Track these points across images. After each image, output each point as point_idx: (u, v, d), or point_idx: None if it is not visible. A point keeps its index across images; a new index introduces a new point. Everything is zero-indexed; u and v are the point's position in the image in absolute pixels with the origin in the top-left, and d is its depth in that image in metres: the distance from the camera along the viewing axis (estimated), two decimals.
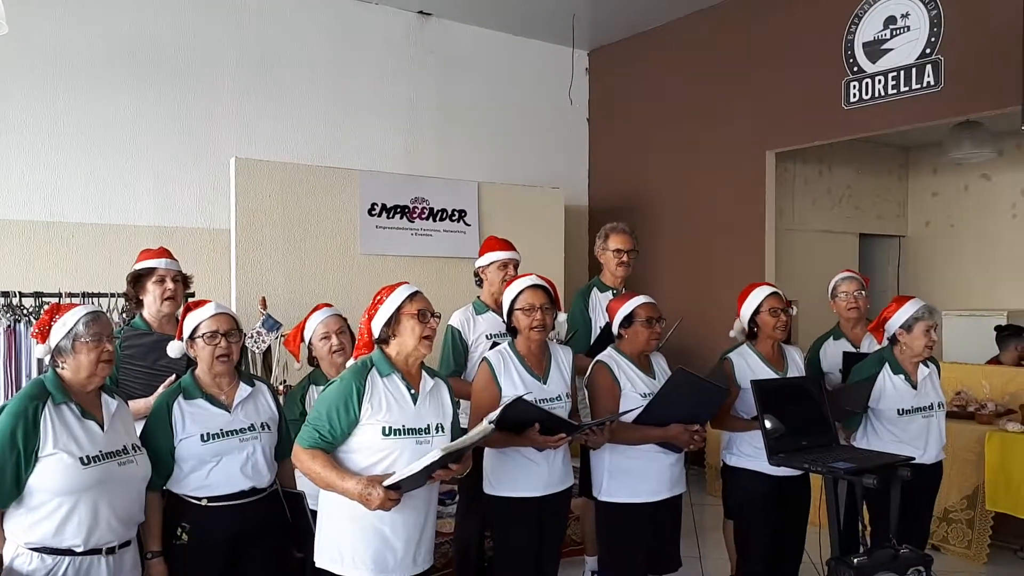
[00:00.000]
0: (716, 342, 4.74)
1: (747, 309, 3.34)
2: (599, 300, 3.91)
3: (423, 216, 5.83)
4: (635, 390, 3.03)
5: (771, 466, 3.16)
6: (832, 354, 3.81)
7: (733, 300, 5.82)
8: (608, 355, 3.13)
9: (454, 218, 5.94)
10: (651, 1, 6.49)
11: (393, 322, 2.46)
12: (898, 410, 3.30)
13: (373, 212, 5.61)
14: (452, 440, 2.45)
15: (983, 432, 4.32)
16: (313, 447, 2.36)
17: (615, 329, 3.14)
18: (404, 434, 2.38)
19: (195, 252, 5.29)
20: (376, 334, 2.49)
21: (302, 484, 2.69)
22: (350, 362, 2.57)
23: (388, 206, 5.66)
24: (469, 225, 5.97)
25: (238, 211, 5.00)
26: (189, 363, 2.69)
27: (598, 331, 3.83)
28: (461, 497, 3.67)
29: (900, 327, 3.36)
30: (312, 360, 3.20)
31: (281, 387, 3.85)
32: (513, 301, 2.95)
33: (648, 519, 3.03)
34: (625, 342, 3.12)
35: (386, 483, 2.24)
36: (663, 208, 6.89)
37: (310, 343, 3.17)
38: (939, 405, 3.38)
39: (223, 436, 2.54)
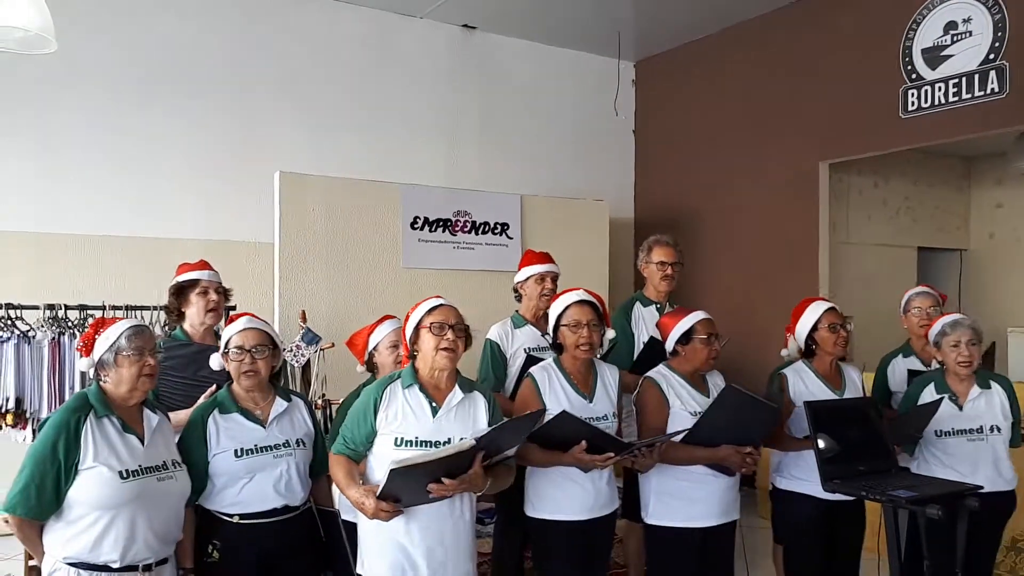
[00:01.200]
0: (765, 361, 4.57)
1: (804, 325, 3.19)
2: (642, 315, 3.79)
3: (465, 229, 5.79)
4: (685, 408, 2.91)
5: (820, 490, 3.01)
6: (900, 372, 3.62)
7: (783, 317, 5.68)
8: (659, 372, 3.01)
9: (496, 231, 5.89)
10: (697, 12, 6.37)
11: (415, 336, 2.48)
12: (936, 431, 3.13)
13: (415, 225, 5.59)
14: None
15: None
16: (339, 453, 2.46)
17: (670, 345, 3.02)
18: (417, 446, 2.37)
19: (239, 266, 5.33)
20: (409, 348, 2.50)
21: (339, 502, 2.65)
22: None
23: (430, 219, 5.64)
24: (512, 238, 5.91)
25: (282, 225, 5.02)
26: (229, 376, 2.66)
27: (641, 346, 3.70)
28: (499, 516, 3.58)
29: (932, 345, 3.22)
30: (372, 367, 3.16)
31: (319, 401, 3.82)
32: (560, 316, 2.86)
33: (697, 545, 2.89)
34: (681, 359, 2.99)
35: (378, 493, 2.26)
36: (710, 221, 6.72)
37: (374, 349, 3.13)
38: (994, 428, 3.17)
39: (257, 452, 2.50)
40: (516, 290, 3.72)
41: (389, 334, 3.12)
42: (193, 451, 2.46)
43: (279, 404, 2.60)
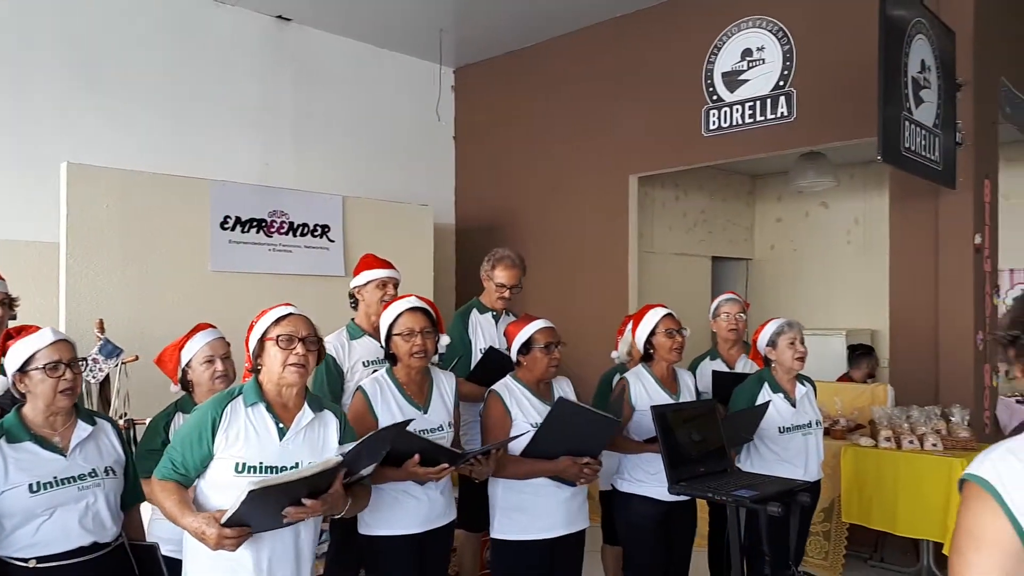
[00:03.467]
0: (583, 364, 4.74)
1: (643, 330, 3.29)
2: (479, 322, 3.76)
3: (282, 231, 5.48)
4: (527, 419, 2.89)
5: (661, 491, 3.13)
6: (707, 374, 3.85)
7: (600, 321, 5.95)
8: (504, 384, 2.98)
9: (316, 233, 5.62)
10: (517, 22, 6.48)
11: (259, 349, 2.26)
12: (779, 428, 3.37)
13: (226, 226, 5.20)
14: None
15: (838, 447, 4.53)
16: (166, 479, 2.21)
17: (514, 355, 3.00)
18: (260, 472, 2.15)
19: (18, 268, 4.64)
20: (252, 361, 2.26)
21: (158, 532, 2.36)
22: None
23: (243, 219, 5.27)
24: (333, 241, 5.67)
25: (69, 222, 4.46)
26: (14, 401, 2.27)
27: (479, 354, 3.67)
28: (332, 537, 3.38)
29: (767, 345, 3.47)
30: (186, 385, 2.83)
31: (122, 422, 3.40)
32: (391, 325, 2.74)
33: (544, 557, 2.88)
34: (524, 369, 2.98)
35: (222, 520, 2.03)
36: (530, 229, 6.87)
37: (187, 366, 2.80)
38: (816, 423, 3.49)
39: (57, 485, 2.15)
40: (352, 296, 3.53)
41: (203, 348, 2.80)
42: None
43: (82, 428, 2.26)
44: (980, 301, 4.79)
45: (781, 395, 3.41)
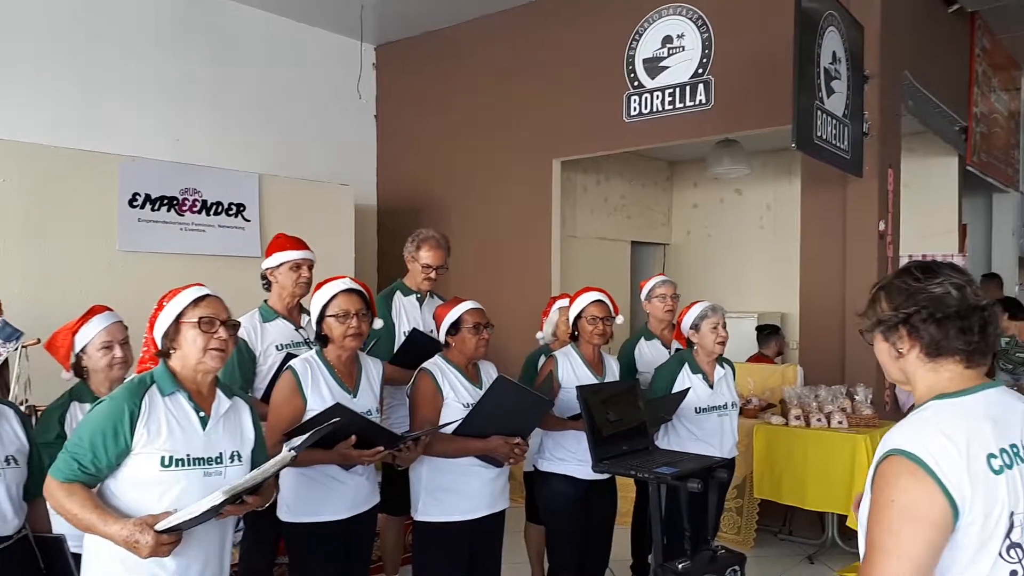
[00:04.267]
0: (508, 345, 4.75)
1: (573, 312, 3.36)
2: (403, 304, 3.71)
3: (195, 209, 5.28)
4: (458, 400, 2.88)
5: (581, 470, 3.19)
6: (647, 353, 3.93)
7: (523, 304, 5.98)
8: (434, 363, 2.96)
9: (231, 212, 5.44)
10: (437, 1, 6.40)
11: (173, 331, 2.10)
12: (695, 408, 3.47)
13: (135, 203, 4.98)
14: (252, 469, 2.13)
15: (751, 426, 4.70)
16: (71, 480, 1.95)
17: (442, 336, 2.98)
18: (189, 465, 2.02)
19: None
20: (160, 345, 2.11)
21: (62, 524, 2.23)
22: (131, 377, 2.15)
23: (153, 197, 5.05)
24: (249, 220, 5.50)
25: None
26: None
27: (402, 337, 3.62)
28: (248, 525, 3.29)
29: (690, 328, 3.57)
30: (81, 372, 2.67)
31: (23, 408, 3.21)
32: (325, 306, 2.68)
33: (467, 538, 2.89)
34: (453, 350, 2.97)
35: (160, 527, 1.89)
36: (454, 211, 6.82)
37: (81, 352, 2.64)
38: (732, 404, 3.61)
39: None
40: (265, 277, 3.43)
41: (100, 332, 2.64)
42: None
43: None
44: None
45: (700, 376, 3.51)
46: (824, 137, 4.36)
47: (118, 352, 2.65)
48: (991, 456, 1.38)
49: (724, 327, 3.54)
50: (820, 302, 5.14)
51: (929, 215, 6.90)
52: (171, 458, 2.00)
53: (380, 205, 7.36)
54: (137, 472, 1.99)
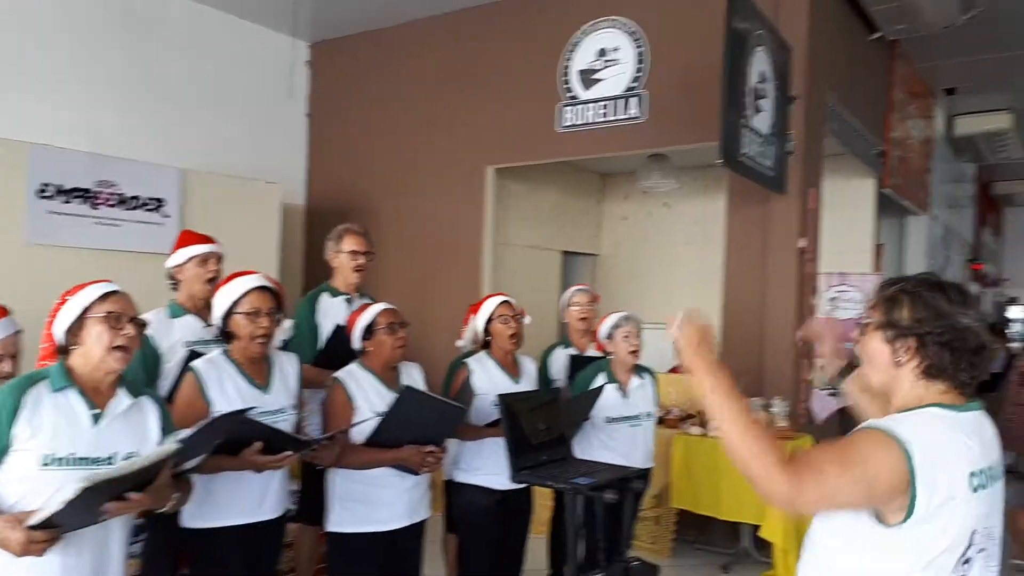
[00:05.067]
0: (438, 352, 4.69)
1: (480, 317, 3.33)
2: (330, 306, 3.61)
3: (110, 203, 5.07)
4: (372, 408, 2.82)
5: (497, 480, 3.16)
6: (559, 359, 3.94)
7: (456, 310, 5.90)
8: (348, 371, 2.89)
9: (150, 207, 5.25)
10: (373, 1, 6.32)
11: (77, 327, 2.02)
12: (606, 418, 3.49)
13: (45, 194, 4.76)
14: None
15: (670, 436, 4.76)
16: None
17: (357, 343, 2.91)
18: (72, 464, 1.93)
19: None
20: (60, 340, 2.02)
21: None
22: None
23: (65, 188, 4.84)
24: (169, 217, 5.31)
25: None
26: None
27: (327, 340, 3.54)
28: (150, 533, 3.14)
29: (605, 338, 3.59)
30: None
31: None
32: (235, 303, 2.59)
33: (383, 549, 2.82)
34: (370, 355, 2.90)
35: (30, 521, 1.80)
36: (386, 214, 6.73)
37: None
38: (648, 415, 3.63)
39: None
40: (172, 277, 3.31)
41: None
42: None
43: None
44: (801, 301, 5.18)
45: (615, 386, 3.52)
46: (750, 155, 4.46)
47: (6, 366, 2.49)
48: (972, 475, 1.41)
49: (637, 336, 3.55)
50: (741, 316, 5.25)
51: (847, 234, 7.14)
52: (52, 457, 1.92)
53: (309, 205, 7.22)
54: (17, 470, 1.91)
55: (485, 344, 3.35)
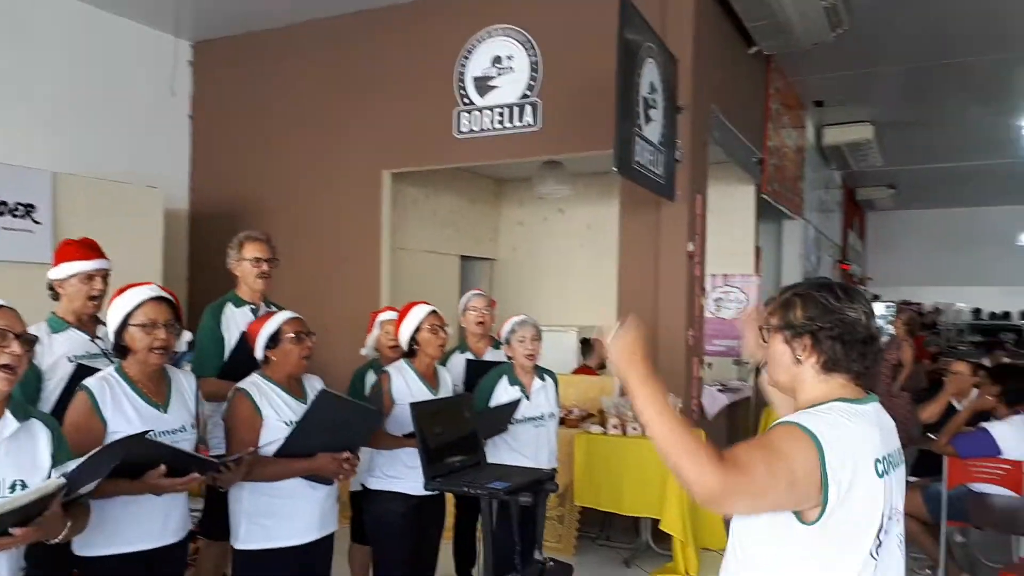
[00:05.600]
0: (338, 361, 4.61)
1: (407, 326, 3.29)
2: (235, 317, 3.46)
3: None
4: (280, 418, 2.73)
5: (413, 486, 3.15)
6: (456, 364, 3.95)
7: (352, 317, 5.82)
8: (251, 381, 2.78)
9: (18, 213, 4.90)
10: (260, 1, 6.15)
11: None
12: (512, 420, 3.52)
13: None
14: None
15: (572, 435, 4.85)
16: None
17: (260, 353, 2.81)
18: None
19: None
20: None
21: None
22: None
23: None
24: (40, 223, 4.98)
25: None
26: None
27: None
28: (38, 563, 2.93)
29: (504, 343, 3.65)
30: None
31: None
32: (129, 314, 2.45)
33: (295, 565, 2.73)
34: (274, 365, 2.80)
35: None
36: (278, 220, 6.51)
37: None
38: (551, 415, 3.70)
39: None
40: (53, 288, 3.10)
41: None
42: None
43: None
44: (691, 302, 5.40)
45: (518, 388, 3.57)
46: (642, 163, 4.62)
47: None
48: (877, 461, 1.52)
49: (533, 341, 3.59)
50: (637, 317, 5.42)
51: (729, 238, 7.50)
52: None
53: (193, 210, 6.93)
54: None
55: (409, 352, 3.31)
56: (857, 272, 14.25)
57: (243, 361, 3.06)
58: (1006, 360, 7.19)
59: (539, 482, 2.94)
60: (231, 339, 3.39)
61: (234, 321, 3.42)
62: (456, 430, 3.05)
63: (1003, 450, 4.21)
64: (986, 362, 6.74)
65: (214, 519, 3.20)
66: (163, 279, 5.52)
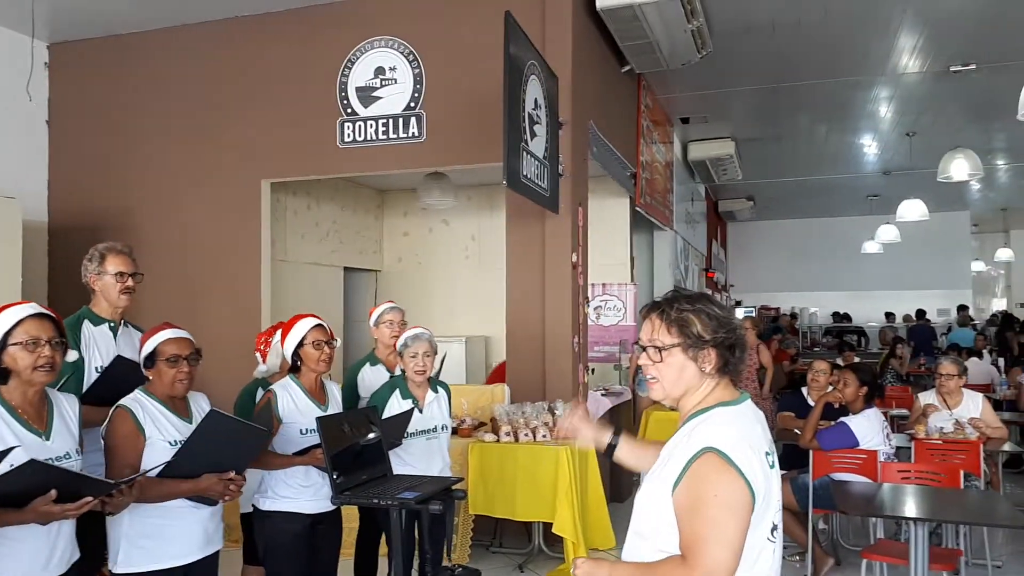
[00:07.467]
0: (218, 378, 4.45)
1: (291, 341, 3.20)
2: (93, 334, 3.25)
3: None
4: (164, 437, 2.63)
5: (307, 505, 3.10)
6: (370, 378, 3.92)
7: (231, 332, 5.63)
8: (134, 398, 2.66)
9: None
10: (127, 2, 5.87)
11: None
12: (405, 433, 3.53)
13: None
14: None
15: (465, 444, 4.90)
16: None
17: (143, 369, 2.69)
18: None
19: None
20: None
21: None
22: None
23: None
24: None
25: None
26: None
27: (95, 373, 3.21)
28: None
29: (398, 355, 3.66)
30: None
31: None
32: (8, 334, 2.30)
33: None
34: (154, 383, 2.70)
35: None
36: (146, 232, 6.22)
37: None
38: (444, 427, 3.74)
39: None
40: None
41: None
42: None
43: None
44: (576, 310, 5.58)
45: (410, 401, 3.59)
46: (529, 176, 4.75)
47: None
48: (767, 453, 1.67)
49: (426, 356, 3.57)
50: (524, 326, 5.55)
51: (607, 249, 7.81)
52: None
53: (52, 222, 6.49)
54: None
55: (293, 368, 3.23)
56: (721, 279, 15.09)
57: (117, 381, 2.91)
58: (857, 360, 7.85)
59: (448, 490, 2.97)
60: (92, 359, 3.18)
61: (93, 340, 3.22)
62: (362, 443, 3.03)
63: (860, 441, 4.61)
64: (840, 361, 7.35)
65: (88, 543, 3.01)
66: (22, 296, 5.15)
